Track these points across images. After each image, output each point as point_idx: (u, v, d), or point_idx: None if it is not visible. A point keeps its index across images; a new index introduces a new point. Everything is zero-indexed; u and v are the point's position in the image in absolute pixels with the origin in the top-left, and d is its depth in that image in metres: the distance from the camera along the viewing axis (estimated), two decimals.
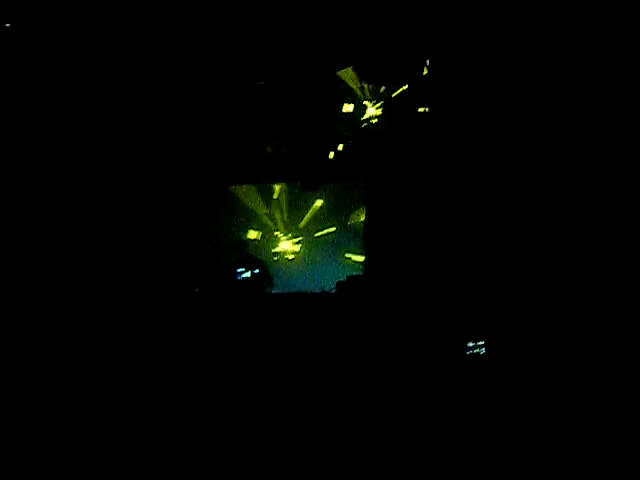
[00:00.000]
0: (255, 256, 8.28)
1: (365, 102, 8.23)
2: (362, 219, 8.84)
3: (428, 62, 7.61)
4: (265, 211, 9.61)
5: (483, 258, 6.70)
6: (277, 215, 9.63)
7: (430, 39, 7.35)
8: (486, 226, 6.86)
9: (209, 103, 8.43)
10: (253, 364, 6.41)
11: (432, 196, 7.46)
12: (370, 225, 8.36)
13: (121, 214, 8.24)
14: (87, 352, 6.47)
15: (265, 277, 7.89)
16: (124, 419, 5.58)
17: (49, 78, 7.60)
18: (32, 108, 7.53)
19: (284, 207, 9.56)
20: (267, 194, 9.56)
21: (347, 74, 8.10)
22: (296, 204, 9.48)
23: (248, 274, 7.52)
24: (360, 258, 8.65)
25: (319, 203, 9.35)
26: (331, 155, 8.38)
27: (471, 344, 5.92)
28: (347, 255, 9.18)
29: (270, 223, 9.64)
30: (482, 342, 5.91)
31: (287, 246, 9.44)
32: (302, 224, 9.49)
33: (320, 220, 9.49)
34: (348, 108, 8.20)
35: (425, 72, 7.72)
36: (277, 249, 9.56)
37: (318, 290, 7.97)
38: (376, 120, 8.15)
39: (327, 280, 7.98)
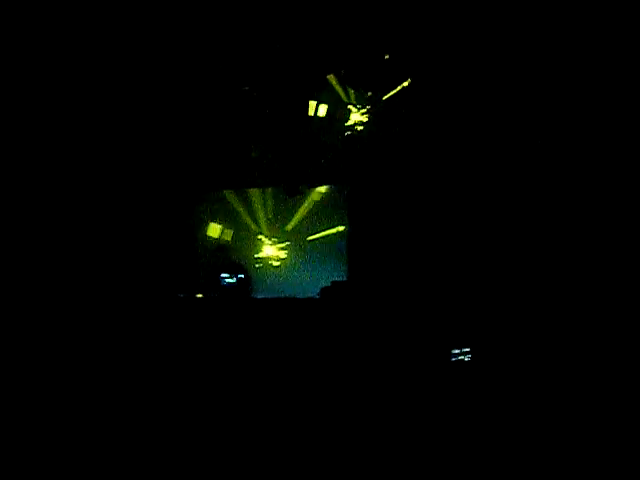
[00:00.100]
0: (237, 261, 8.24)
1: (350, 107, 8.22)
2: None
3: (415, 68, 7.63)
4: (247, 216, 9.52)
5: (468, 263, 6.73)
6: (262, 218, 9.53)
7: (417, 44, 7.37)
8: (471, 231, 6.89)
9: (192, 108, 8.39)
10: (237, 369, 6.38)
11: (416, 202, 7.49)
12: (353, 230, 8.37)
13: (101, 219, 8.18)
14: (70, 358, 6.40)
15: (247, 283, 7.87)
16: (111, 424, 5.55)
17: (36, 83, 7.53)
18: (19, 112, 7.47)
19: (270, 210, 9.46)
20: (252, 197, 9.46)
21: (333, 79, 8.09)
22: (283, 207, 9.34)
23: (233, 280, 7.48)
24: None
25: (307, 206, 9.25)
26: (316, 161, 8.37)
27: (456, 351, 5.92)
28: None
29: (254, 226, 9.56)
30: (468, 349, 5.91)
31: (272, 251, 9.37)
32: (289, 227, 9.39)
33: (309, 224, 9.36)
34: (333, 113, 8.19)
35: (410, 81, 7.75)
36: (262, 254, 9.49)
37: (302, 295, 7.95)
38: (361, 126, 8.14)
39: (313, 286, 7.95)
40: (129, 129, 8.23)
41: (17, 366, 6.16)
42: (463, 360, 5.96)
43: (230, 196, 9.30)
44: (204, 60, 7.91)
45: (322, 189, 8.94)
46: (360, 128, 8.14)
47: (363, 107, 8.14)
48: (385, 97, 7.95)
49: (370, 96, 8.03)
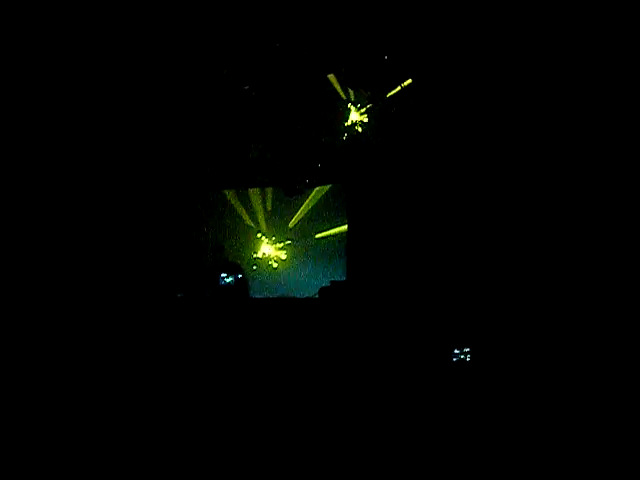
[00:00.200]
0: (234, 261, 8.22)
1: (350, 107, 8.21)
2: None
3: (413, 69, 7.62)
4: (247, 215, 9.47)
5: (467, 264, 6.72)
6: (261, 216, 9.45)
7: (417, 45, 7.36)
8: (470, 232, 6.88)
9: (192, 108, 8.37)
10: (236, 368, 6.36)
11: (415, 201, 7.47)
12: (352, 230, 8.34)
13: (100, 219, 8.16)
14: (70, 357, 6.38)
15: (245, 282, 7.85)
16: (109, 423, 5.53)
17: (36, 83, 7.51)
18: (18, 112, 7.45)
19: (269, 207, 9.37)
20: (251, 194, 9.40)
21: (332, 79, 8.07)
22: (283, 204, 9.26)
23: (231, 279, 7.46)
24: None
25: (310, 201, 9.14)
26: (315, 160, 8.35)
27: (457, 351, 5.91)
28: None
29: (254, 225, 9.47)
30: (468, 349, 5.90)
31: (271, 251, 9.34)
32: (292, 224, 9.27)
33: (312, 220, 9.30)
34: (332, 113, 8.18)
35: (410, 80, 7.74)
36: (261, 254, 9.44)
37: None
38: (360, 126, 8.13)
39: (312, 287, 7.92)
40: (129, 130, 8.21)
41: (16, 365, 6.13)
42: (464, 359, 5.94)
43: (229, 194, 9.27)
44: (204, 60, 7.88)
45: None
46: (359, 128, 8.12)
47: (362, 107, 8.13)
48: (385, 97, 7.95)
49: (369, 96, 8.02)
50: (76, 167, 7.90)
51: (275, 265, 9.45)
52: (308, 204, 9.20)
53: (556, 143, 6.55)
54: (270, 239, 9.47)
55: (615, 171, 6.32)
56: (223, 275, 7.54)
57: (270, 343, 6.71)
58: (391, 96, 7.87)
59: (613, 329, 5.82)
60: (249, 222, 9.50)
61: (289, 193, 8.34)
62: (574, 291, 6.05)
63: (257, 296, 8.07)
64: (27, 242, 7.32)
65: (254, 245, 9.54)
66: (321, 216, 9.25)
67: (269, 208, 9.37)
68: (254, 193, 9.32)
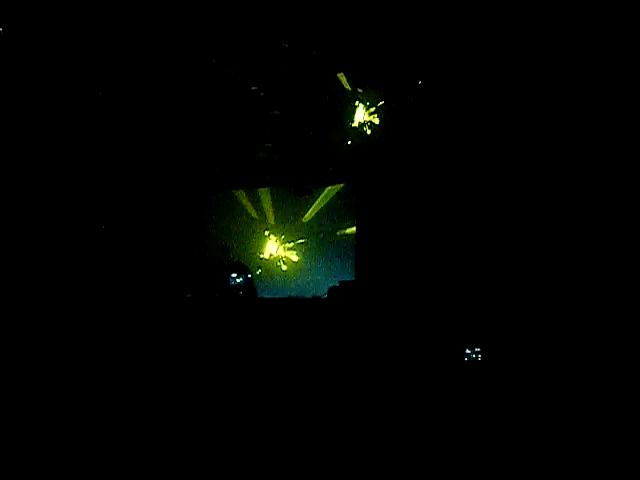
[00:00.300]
0: (240, 261, 8.20)
1: (358, 107, 8.18)
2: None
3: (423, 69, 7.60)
4: (252, 208, 9.36)
5: (478, 262, 6.69)
6: (269, 211, 9.35)
7: (425, 45, 7.33)
8: (481, 231, 6.86)
9: (200, 108, 8.36)
10: (245, 369, 6.36)
11: (425, 201, 7.46)
12: (361, 230, 8.33)
13: (109, 219, 8.16)
14: (78, 359, 6.38)
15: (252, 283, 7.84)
16: (116, 424, 5.52)
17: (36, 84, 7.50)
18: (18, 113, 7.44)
19: (277, 208, 9.28)
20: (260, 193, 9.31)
21: (341, 78, 8.04)
22: (295, 199, 9.04)
23: (241, 279, 7.45)
24: None
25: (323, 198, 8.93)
26: (323, 160, 8.34)
27: (468, 351, 5.89)
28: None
29: (257, 217, 9.35)
30: (479, 349, 5.88)
31: (280, 251, 9.29)
32: (306, 218, 9.07)
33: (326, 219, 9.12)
34: (342, 113, 8.15)
35: (419, 80, 7.72)
36: (268, 255, 9.37)
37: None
38: (369, 125, 8.11)
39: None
40: (138, 130, 8.22)
41: (25, 365, 6.13)
42: (475, 359, 5.92)
43: (238, 193, 9.20)
44: (213, 61, 7.87)
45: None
46: (368, 129, 8.10)
47: (371, 106, 8.10)
48: (394, 96, 7.92)
49: (379, 95, 7.99)
50: (83, 168, 7.92)
51: (284, 267, 9.40)
52: (326, 196, 8.95)
53: (570, 143, 6.52)
54: (279, 237, 9.36)
55: (618, 170, 6.30)
56: (233, 275, 7.52)
57: (279, 343, 6.70)
58: (400, 95, 7.86)
59: (628, 328, 5.80)
60: (254, 214, 9.32)
61: (298, 193, 8.33)
62: (588, 290, 6.02)
63: (266, 295, 8.07)
64: (35, 244, 7.34)
65: (260, 244, 9.47)
66: (341, 210, 8.96)
67: (279, 204, 9.17)
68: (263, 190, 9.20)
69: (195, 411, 5.77)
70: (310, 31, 7.65)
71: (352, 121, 8.12)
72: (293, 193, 8.38)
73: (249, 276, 7.59)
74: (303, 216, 9.17)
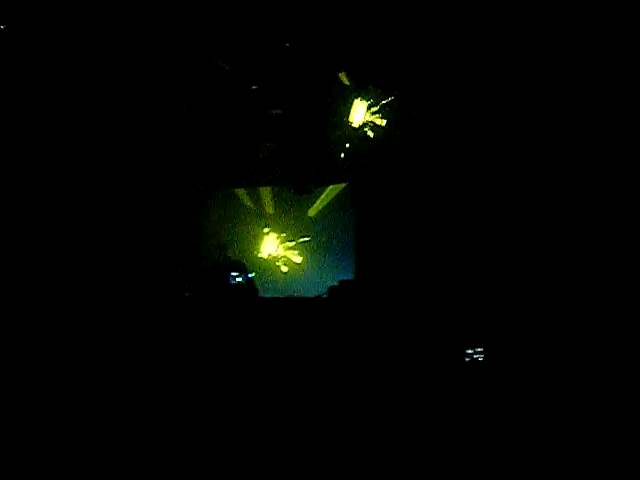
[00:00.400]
0: (239, 260, 8.19)
1: (359, 106, 8.17)
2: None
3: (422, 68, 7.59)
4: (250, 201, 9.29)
5: (479, 263, 6.70)
6: (269, 206, 9.28)
7: (425, 44, 7.32)
8: (482, 231, 6.86)
9: (201, 107, 8.34)
10: (245, 368, 6.35)
11: (426, 201, 7.46)
12: (361, 229, 8.33)
13: (108, 219, 8.15)
14: (78, 358, 6.36)
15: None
16: (117, 423, 5.51)
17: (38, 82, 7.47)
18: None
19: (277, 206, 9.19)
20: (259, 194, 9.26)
21: (343, 78, 8.02)
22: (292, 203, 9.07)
23: (241, 278, 7.44)
24: None
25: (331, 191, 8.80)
26: (324, 160, 8.32)
27: (469, 351, 5.89)
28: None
29: (254, 207, 9.26)
30: (480, 349, 5.87)
31: (280, 251, 9.25)
32: (313, 212, 8.89)
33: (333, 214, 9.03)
34: (342, 112, 8.14)
35: (420, 80, 7.71)
36: (267, 255, 9.29)
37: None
38: (370, 125, 8.10)
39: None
40: (138, 129, 8.20)
41: (28, 363, 6.12)
42: (476, 360, 5.92)
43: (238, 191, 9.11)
44: (214, 60, 7.85)
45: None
46: (369, 128, 8.10)
47: (373, 106, 8.09)
48: (395, 97, 7.92)
49: (380, 94, 7.99)
50: (83, 167, 7.90)
51: (284, 269, 9.39)
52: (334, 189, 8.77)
53: (572, 142, 6.53)
54: (279, 234, 9.28)
55: (617, 169, 6.31)
56: (234, 274, 7.51)
57: (279, 342, 6.69)
58: (401, 96, 7.85)
59: (632, 328, 5.81)
60: (250, 204, 9.14)
61: (298, 192, 8.30)
62: (589, 291, 6.03)
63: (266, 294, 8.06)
64: (35, 245, 7.32)
65: (258, 243, 9.41)
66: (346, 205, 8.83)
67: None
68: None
69: (196, 409, 5.76)
70: (312, 31, 7.63)
71: (353, 121, 8.12)
72: (293, 192, 8.35)
73: (250, 275, 7.57)
74: (307, 210, 9.05)
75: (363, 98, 8.04)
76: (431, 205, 7.43)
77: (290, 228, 9.19)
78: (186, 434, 5.41)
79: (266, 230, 9.17)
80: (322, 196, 8.88)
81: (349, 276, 8.13)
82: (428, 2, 7.09)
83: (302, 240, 9.15)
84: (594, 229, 6.22)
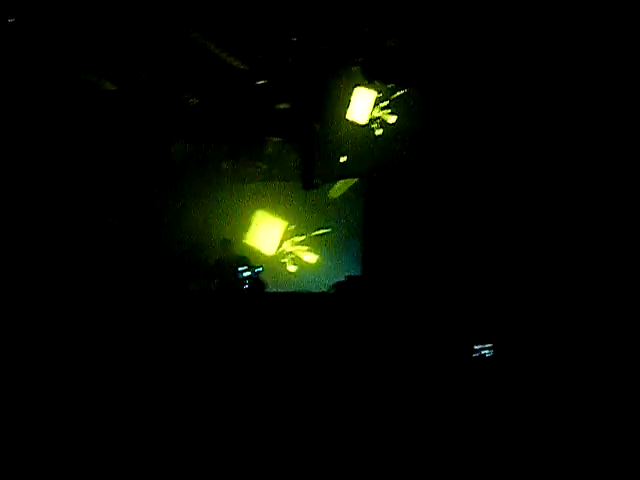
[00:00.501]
0: (243, 256, 8.18)
1: (368, 101, 8.16)
2: None
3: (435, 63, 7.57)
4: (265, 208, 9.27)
5: (488, 258, 6.68)
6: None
7: (439, 39, 7.30)
8: (490, 226, 6.84)
9: (209, 102, 8.35)
10: (251, 364, 6.34)
11: (434, 196, 7.44)
12: (369, 224, 8.31)
13: (114, 214, 8.16)
14: (82, 354, 6.35)
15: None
16: (123, 420, 5.52)
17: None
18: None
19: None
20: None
21: (352, 72, 8.02)
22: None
23: (249, 273, 7.44)
24: None
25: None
26: (332, 155, 8.32)
27: (477, 347, 5.87)
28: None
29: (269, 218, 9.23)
30: (489, 344, 5.85)
31: (286, 246, 9.21)
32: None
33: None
34: (350, 107, 8.12)
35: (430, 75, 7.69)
36: (268, 251, 9.23)
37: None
38: (380, 120, 8.10)
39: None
40: (146, 125, 8.20)
41: (31, 359, 6.12)
42: (484, 356, 5.90)
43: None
44: (222, 55, 7.84)
45: None
46: (377, 123, 8.09)
47: (382, 101, 8.09)
48: (404, 91, 7.92)
49: (389, 89, 7.98)
50: (88, 162, 7.91)
51: (293, 269, 9.43)
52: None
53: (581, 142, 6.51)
54: (287, 229, 9.33)
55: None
56: (241, 269, 7.50)
57: (286, 338, 6.68)
58: (411, 91, 7.84)
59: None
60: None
61: (307, 187, 8.27)
62: (597, 287, 6.01)
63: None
64: (38, 239, 7.32)
65: (265, 237, 9.42)
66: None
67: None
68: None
69: (203, 405, 5.76)
70: (319, 25, 7.60)
71: (361, 116, 8.10)
72: (302, 187, 8.31)
73: (257, 270, 7.56)
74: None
75: (372, 93, 8.03)
76: (441, 200, 7.41)
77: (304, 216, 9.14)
78: (191, 429, 5.41)
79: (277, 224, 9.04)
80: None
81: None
82: None
83: (322, 231, 9.09)
84: (604, 226, 6.20)
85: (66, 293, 6.99)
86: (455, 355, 6.03)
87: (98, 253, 7.76)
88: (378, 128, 8.10)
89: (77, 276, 7.32)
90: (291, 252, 9.14)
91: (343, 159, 8.30)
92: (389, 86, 7.99)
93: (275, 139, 8.51)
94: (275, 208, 9.14)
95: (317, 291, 7.85)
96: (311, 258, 8.89)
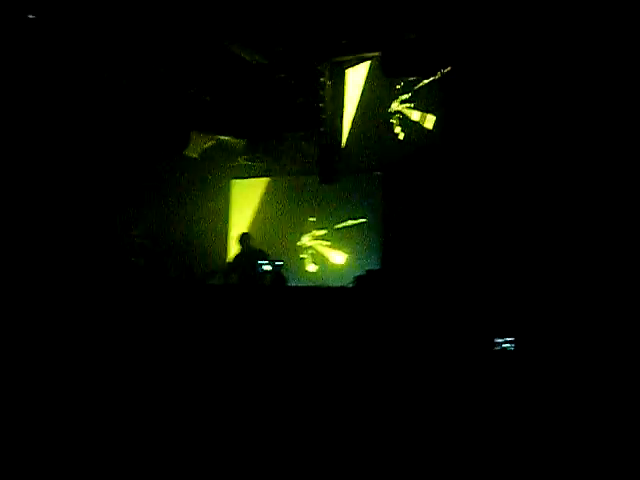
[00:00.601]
0: (261, 250, 8.19)
1: (389, 96, 8.14)
2: None
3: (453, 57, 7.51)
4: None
5: (509, 250, 6.63)
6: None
7: (456, 31, 7.24)
8: (511, 218, 6.79)
9: (226, 96, 8.36)
10: (271, 357, 6.35)
11: (454, 188, 7.40)
12: (388, 217, 8.28)
13: (132, 206, 8.20)
14: (100, 346, 6.39)
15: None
16: (141, 408, 5.56)
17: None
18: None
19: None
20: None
21: (372, 66, 7.99)
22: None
23: (269, 267, 7.44)
24: None
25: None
26: (351, 148, 8.29)
27: (499, 340, 5.83)
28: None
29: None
30: (511, 338, 5.81)
31: (305, 240, 9.21)
32: None
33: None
34: (370, 101, 8.11)
35: (449, 68, 7.64)
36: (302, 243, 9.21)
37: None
38: (399, 114, 8.07)
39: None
40: (163, 121, 8.23)
41: (53, 345, 6.16)
42: (506, 349, 5.86)
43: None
44: (240, 50, 7.83)
45: None
46: (397, 117, 8.07)
47: (401, 95, 8.06)
48: (422, 84, 7.87)
49: (408, 84, 7.94)
50: (106, 154, 7.94)
51: (312, 267, 9.45)
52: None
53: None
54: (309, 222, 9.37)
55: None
56: (261, 262, 7.52)
57: (306, 331, 6.68)
58: (430, 83, 7.80)
59: None
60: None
61: (324, 181, 8.25)
62: (621, 282, 5.95)
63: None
64: (53, 233, 7.36)
65: (286, 233, 9.51)
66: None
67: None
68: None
69: (224, 399, 5.79)
70: (338, 19, 7.57)
71: (381, 110, 8.08)
72: (320, 182, 8.30)
73: (278, 264, 7.57)
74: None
75: (392, 87, 8.01)
76: (460, 192, 7.36)
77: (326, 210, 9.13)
78: (210, 419, 5.45)
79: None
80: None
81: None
82: None
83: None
84: (630, 219, 6.13)
85: (83, 287, 7.04)
86: (476, 348, 6.01)
87: (115, 247, 7.79)
88: (397, 122, 8.07)
89: (94, 271, 7.36)
90: (311, 246, 9.15)
91: (361, 153, 8.28)
92: (408, 80, 7.95)
93: (294, 133, 8.51)
94: (295, 202, 9.16)
95: (337, 285, 7.85)
96: (331, 252, 8.89)
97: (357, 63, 8.12)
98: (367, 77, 8.24)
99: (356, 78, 8.27)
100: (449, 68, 7.54)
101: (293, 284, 8.23)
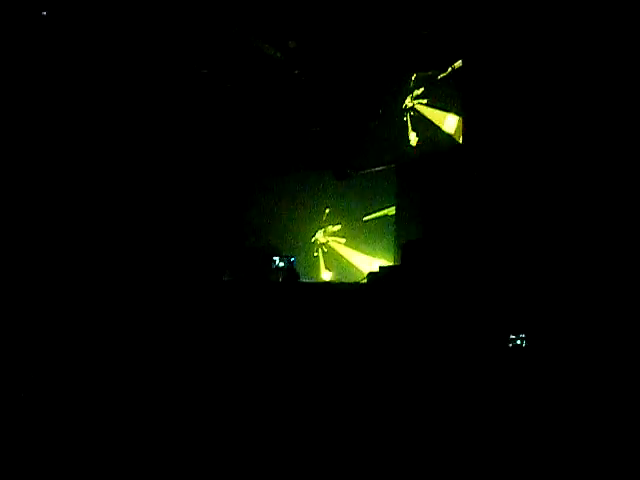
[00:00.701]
0: (275, 246, 8.19)
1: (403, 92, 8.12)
2: None
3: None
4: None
5: (524, 246, 6.58)
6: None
7: (470, 26, 7.20)
8: (526, 214, 6.74)
9: (245, 93, 8.36)
10: (284, 352, 6.37)
11: (468, 182, 7.36)
12: (401, 214, 8.26)
13: (150, 204, 8.23)
14: (112, 343, 6.42)
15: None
16: (160, 403, 5.59)
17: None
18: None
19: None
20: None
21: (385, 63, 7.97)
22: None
23: (283, 263, 7.45)
24: None
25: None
26: (365, 144, 8.27)
27: (513, 336, 5.82)
28: None
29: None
30: (523, 334, 5.79)
31: (319, 235, 9.16)
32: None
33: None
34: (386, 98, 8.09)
35: (461, 62, 7.61)
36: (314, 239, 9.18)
37: None
38: (412, 110, 8.05)
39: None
40: (184, 116, 8.25)
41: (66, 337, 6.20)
42: (520, 345, 5.84)
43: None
44: (259, 46, 7.83)
45: None
46: (410, 114, 8.04)
47: (415, 89, 8.02)
48: (437, 80, 7.84)
49: (422, 78, 7.91)
50: (125, 148, 7.98)
51: (326, 270, 9.40)
52: None
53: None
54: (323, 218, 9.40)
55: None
56: (275, 259, 7.53)
57: (320, 328, 6.69)
58: (442, 78, 7.77)
59: None
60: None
61: (339, 177, 8.24)
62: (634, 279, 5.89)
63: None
64: (74, 226, 7.41)
65: (298, 228, 9.52)
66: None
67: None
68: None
69: (237, 395, 5.81)
70: (355, 16, 7.54)
71: (396, 107, 8.06)
72: (334, 177, 8.29)
73: (292, 260, 7.58)
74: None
75: (405, 83, 7.99)
76: (474, 186, 7.32)
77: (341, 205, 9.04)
78: (226, 414, 5.47)
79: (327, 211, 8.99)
80: None
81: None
82: None
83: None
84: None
85: (99, 281, 7.09)
86: (490, 344, 5.99)
87: (132, 242, 7.83)
88: (410, 117, 8.05)
89: (111, 265, 7.40)
90: (325, 242, 9.14)
91: (375, 148, 8.26)
92: (422, 74, 7.92)
93: (311, 129, 8.49)
94: (310, 198, 9.13)
95: (350, 281, 7.85)
96: (345, 248, 8.89)
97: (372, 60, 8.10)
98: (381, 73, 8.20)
99: (371, 74, 8.24)
100: (460, 62, 7.49)
101: (307, 279, 8.24)
